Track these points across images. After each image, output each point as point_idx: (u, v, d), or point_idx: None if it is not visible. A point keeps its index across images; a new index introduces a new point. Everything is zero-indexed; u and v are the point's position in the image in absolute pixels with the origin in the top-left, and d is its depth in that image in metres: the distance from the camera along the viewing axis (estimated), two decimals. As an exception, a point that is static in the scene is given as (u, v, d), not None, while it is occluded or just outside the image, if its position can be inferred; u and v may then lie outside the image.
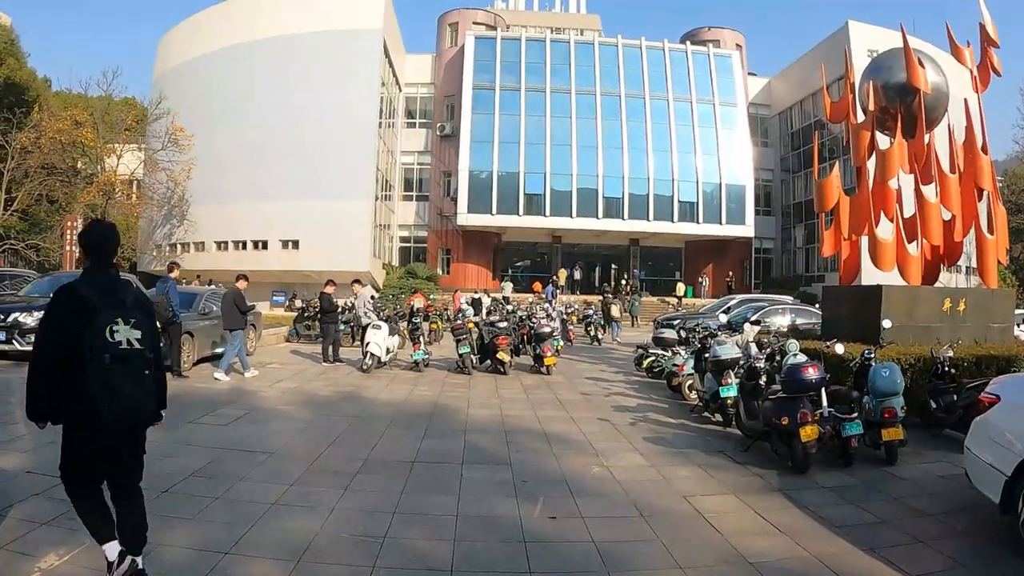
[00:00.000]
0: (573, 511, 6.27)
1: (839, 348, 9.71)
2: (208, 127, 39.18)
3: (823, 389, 8.16)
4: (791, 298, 26.39)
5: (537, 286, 40.22)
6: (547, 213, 42.07)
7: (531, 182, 42.23)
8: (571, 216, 42.09)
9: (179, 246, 41.87)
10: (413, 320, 16.19)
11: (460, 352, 15.45)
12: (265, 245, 39.33)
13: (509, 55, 44.42)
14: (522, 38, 45.22)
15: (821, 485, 7.30)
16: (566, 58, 44.62)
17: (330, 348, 16.80)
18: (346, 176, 37.16)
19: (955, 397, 9.45)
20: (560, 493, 6.81)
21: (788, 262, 49.26)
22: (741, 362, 9.99)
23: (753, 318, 15.99)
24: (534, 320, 17.16)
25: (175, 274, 14.28)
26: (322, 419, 10.32)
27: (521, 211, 41.99)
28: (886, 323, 10.22)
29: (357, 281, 17.33)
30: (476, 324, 16.64)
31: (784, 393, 7.92)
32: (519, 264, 48.07)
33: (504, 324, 16.07)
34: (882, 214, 13.59)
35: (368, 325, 16.15)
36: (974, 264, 18.92)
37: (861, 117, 14.33)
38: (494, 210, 41.74)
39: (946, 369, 9.68)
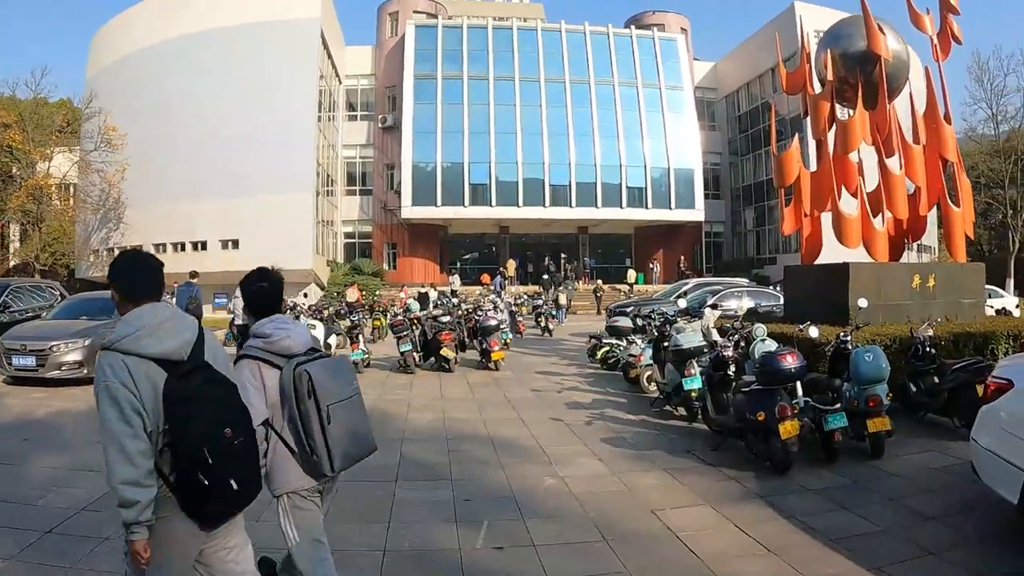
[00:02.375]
0: (523, 538, 5.27)
1: (813, 331, 8.72)
2: (143, 126, 37.50)
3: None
4: (747, 280, 25.75)
5: (485, 278, 39.32)
6: (493, 203, 40.99)
7: (476, 172, 41.13)
8: (518, 205, 41.08)
9: (116, 250, 39.41)
10: (351, 317, 15.08)
11: (401, 350, 14.28)
12: (204, 246, 37.83)
13: (451, 43, 43.21)
14: (463, 25, 43.96)
15: (806, 487, 6.41)
16: (509, 45, 43.55)
17: None
18: (285, 171, 35.82)
19: (936, 379, 8.70)
20: (508, 514, 5.80)
21: (739, 245, 48.93)
22: (705, 350, 9.08)
23: (710, 302, 15.18)
24: (479, 313, 16.14)
25: (195, 280, 16.29)
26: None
27: (467, 202, 40.84)
28: (862, 302, 9.31)
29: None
30: (418, 319, 15.52)
31: (759, 385, 7.01)
32: (467, 256, 47.12)
33: (447, 318, 14.87)
34: (843, 188, 12.88)
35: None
36: (925, 241, 18.44)
37: (819, 88, 13.61)
38: (439, 202, 40.53)
39: (927, 350, 8.90)
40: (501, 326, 17.02)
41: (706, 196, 44.50)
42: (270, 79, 36.66)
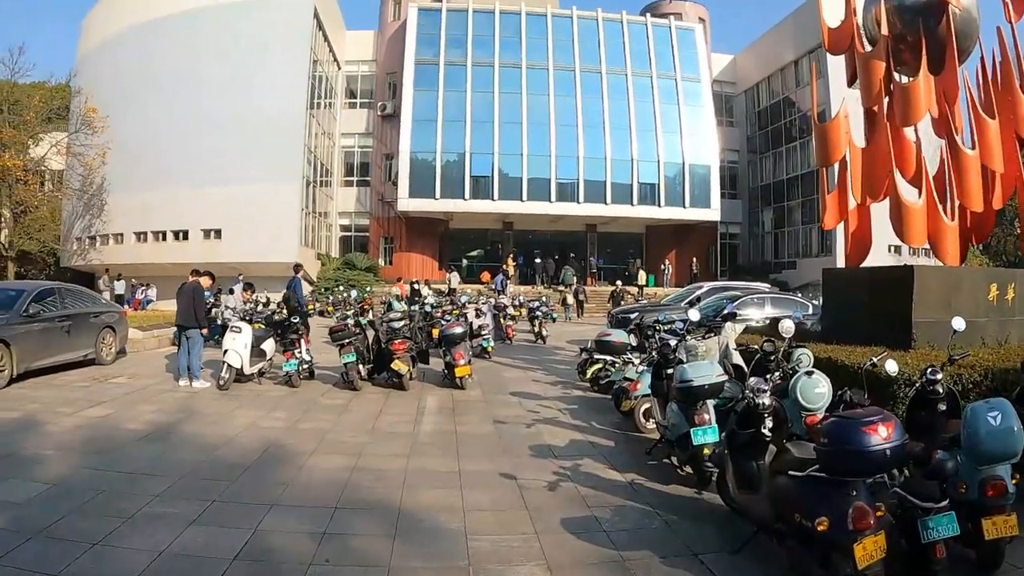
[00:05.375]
0: None
1: (891, 367, 5.71)
2: (128, 109, 35.92)
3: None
4: (768, 286, 22.89)
5: (485, 276, 37.10)
6: (495, 197, 38.37)
7: (478, 163, 38.55)
8: (522, 200, 38.42)
9: (98, 238, 38.80)
10: (290, 319, 12.48)
11: (344, 361, 11.59)
12: (186, 235, 36.17)
13: (455, 28, 40.74)
14: (469, 9, 41.31)
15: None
16: (516, 31, 41.03)
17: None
18: (272, 159, 34.02)
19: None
20: None
21: (756, 248, 46.19)
22: (725, 386, 6.27)
23: (728, 309, 12.49)
24: (447, 318, 13.46)
25: (301, 273, 17.01)
26: (78, 478, 6.46)
27: (467, 195, 38.26)
28: (958, 323, 6.39)
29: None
30: (371, 324, 12.86)
31: (823, 471, 4.10)
32: (474, 253, 44.48)
33: (400, 324, 12.05)
34: (898, 172, 10.17)
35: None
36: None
37: (869, 48, 10.91)
38: (438, 194, 37.96)
39: (1039, 394, 6.14)
40: (483, 332, 14.57)
41: (722, 195, 41.80)
42: (258, 62, 35.11)
